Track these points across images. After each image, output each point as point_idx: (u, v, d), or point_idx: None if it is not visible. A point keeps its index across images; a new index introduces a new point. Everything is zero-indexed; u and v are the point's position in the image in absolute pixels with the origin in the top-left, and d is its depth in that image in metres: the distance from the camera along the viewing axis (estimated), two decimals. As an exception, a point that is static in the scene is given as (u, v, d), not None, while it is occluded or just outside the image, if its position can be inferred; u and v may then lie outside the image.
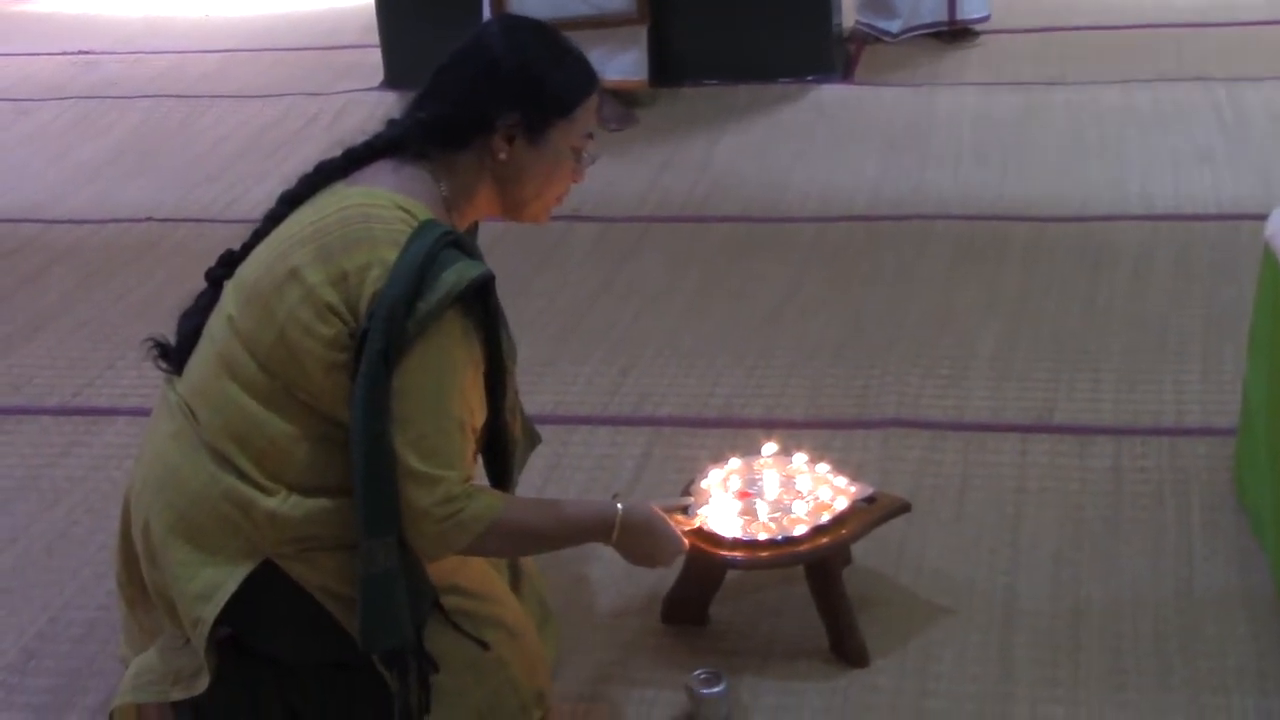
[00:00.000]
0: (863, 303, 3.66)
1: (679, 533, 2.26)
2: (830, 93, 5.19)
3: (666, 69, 5.27)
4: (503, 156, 2.13)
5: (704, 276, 3.87)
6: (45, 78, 5.97)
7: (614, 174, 4.54)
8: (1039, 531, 2.70)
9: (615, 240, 4.13)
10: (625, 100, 5.05)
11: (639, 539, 2.20)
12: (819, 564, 2.36)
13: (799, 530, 2.32)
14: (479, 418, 2.08)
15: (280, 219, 2.14)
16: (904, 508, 2.47)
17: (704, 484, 2.42)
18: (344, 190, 2.10)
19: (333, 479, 2.04)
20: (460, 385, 2.02)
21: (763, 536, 2.32)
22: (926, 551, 2.65)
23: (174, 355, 2.17)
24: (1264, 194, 4.08)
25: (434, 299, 1.97)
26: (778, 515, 2.36)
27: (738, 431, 3.04)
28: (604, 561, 2.65)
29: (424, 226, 2.02)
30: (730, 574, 2.46)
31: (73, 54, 6.30)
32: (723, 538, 2.32)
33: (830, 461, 2.50)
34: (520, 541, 2.14)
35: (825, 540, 2.32)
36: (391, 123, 2.18)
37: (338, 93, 5.48)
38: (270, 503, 2.02)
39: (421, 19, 5.30)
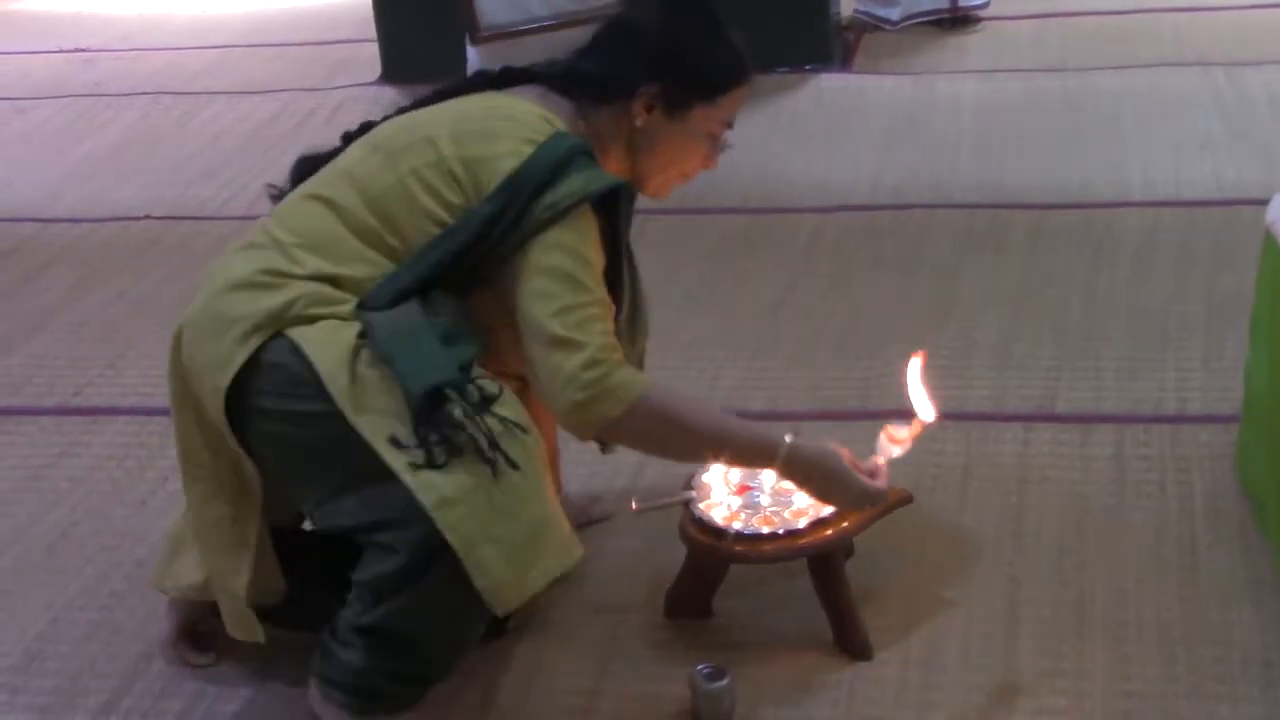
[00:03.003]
0: (863, 293, 3.65)
1: (865, 481, 2.24)
2: (829, 82, 5.17)
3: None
4: (639, 123, 2.20)
5: (703, 269, 3.86)
6: (42, 75, 5.96)
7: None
8: (1042, 521, 2.70)
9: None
10: None
11: (809, 477, 2.21)
12: (821, 557, 2.35)
13: (801, 523, 2.31)
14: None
15: (427, 104, 2.27)
16: (906, 499, 2.46)
17: (705, 478, 2.42)
18: (493, 93, 2.24)
19: (378, 301, 2.09)
20: (597, 272, 2.09)
21: (765, 530, 2.31)
22: (929, 543, 2.64)
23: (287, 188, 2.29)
24: (1265, 179, 4.06)
25: (563, 192, 2.05)
26: (778, 508, 2.35)
27: (739, 424, 3.03)
28: (607, 555, 2.65)
29: (562, 133, 2.12)
30: (733, 568, 2.45)
31: (69, 51, 6.29)
32: (725, 530, 2.32)
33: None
34: (671, 431, 2.12)
35: (827, 533, 2.32)
36: (552, 62, 2.27)
37: (335, 88, 5.47)
38: (297, 271, 2.11)
39: (418, 13, 5.29)
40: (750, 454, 2.21)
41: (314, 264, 2.11)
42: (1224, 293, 3.47)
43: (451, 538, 1.95)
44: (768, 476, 2.41)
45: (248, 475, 2.17)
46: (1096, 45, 5.36)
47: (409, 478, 1.96)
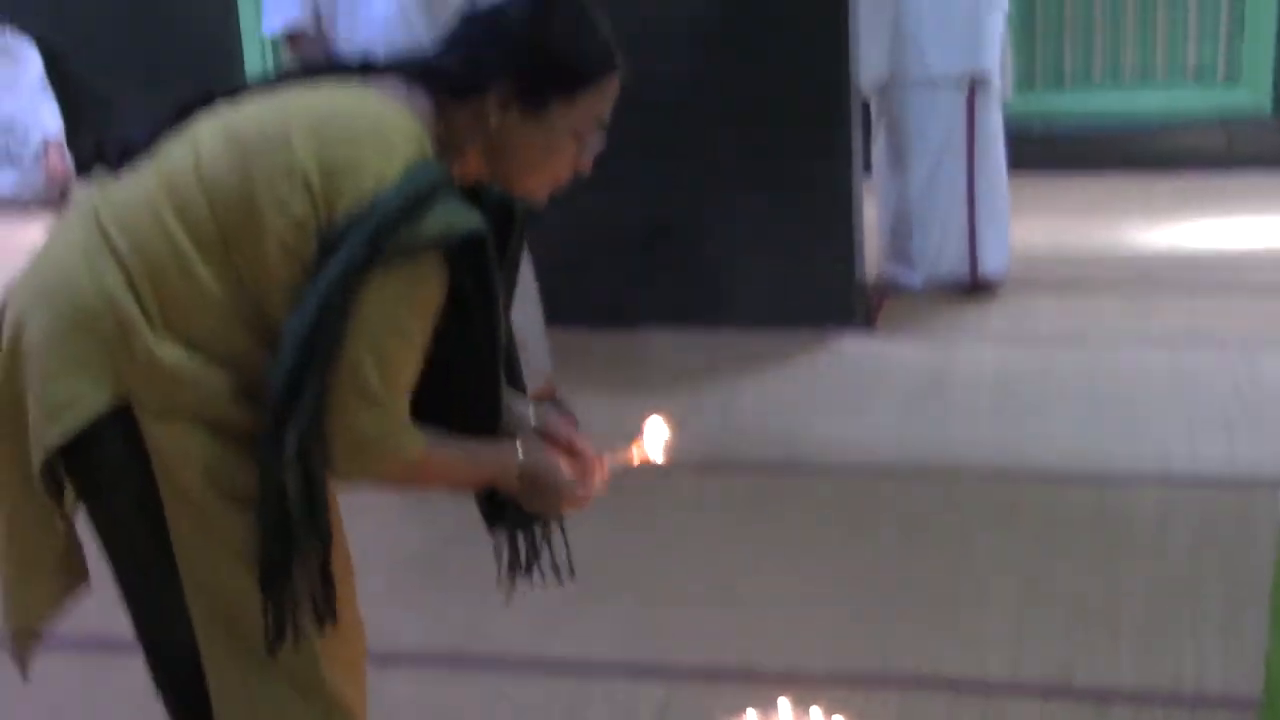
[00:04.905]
0: (882, 557, 3.67)
1: (570, 485, 2.18)
2: (852, 343, 5.28)
3: (691, 313, 5.37)
4: (494, 122, 2.03)
5: (725, 524, 3.90)
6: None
7: (633, 419, 4.59)
8: (1059, 800, 2.68)
9: (636, 484, 4.13)
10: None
11: (534, 489, 2.15)
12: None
13: None
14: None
15: (277, 85, 2.08)
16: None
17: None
18: (361, 87, 2.03)
19: (219, 347, 1.95)
20: (425, 324, 1.95)
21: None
22: (945, 817, 2.62)
23: (115, 160, 2.05)
24: (1281, 462, 4.12)
25: (422, 231, 1.88)
26: None
27: (755, 684, 3.04)
28: None
29: (430, 161, 1.96)
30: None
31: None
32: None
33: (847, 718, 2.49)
34: (434, 480, 2.07)
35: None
36: (417, 51, 2.14)
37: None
38: (152, 341, 1.92)
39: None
40: (496, 479, 2.14)
41: (156, 300, 1.94)
42: (1241, 574, 3.49)
43: None
44: None
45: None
46: (1113, 320, 5.47)
47: None
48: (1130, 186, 7.19)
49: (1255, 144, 7.33)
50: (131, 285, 1.93)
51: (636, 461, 2.35)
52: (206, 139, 1.98)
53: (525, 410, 2.28)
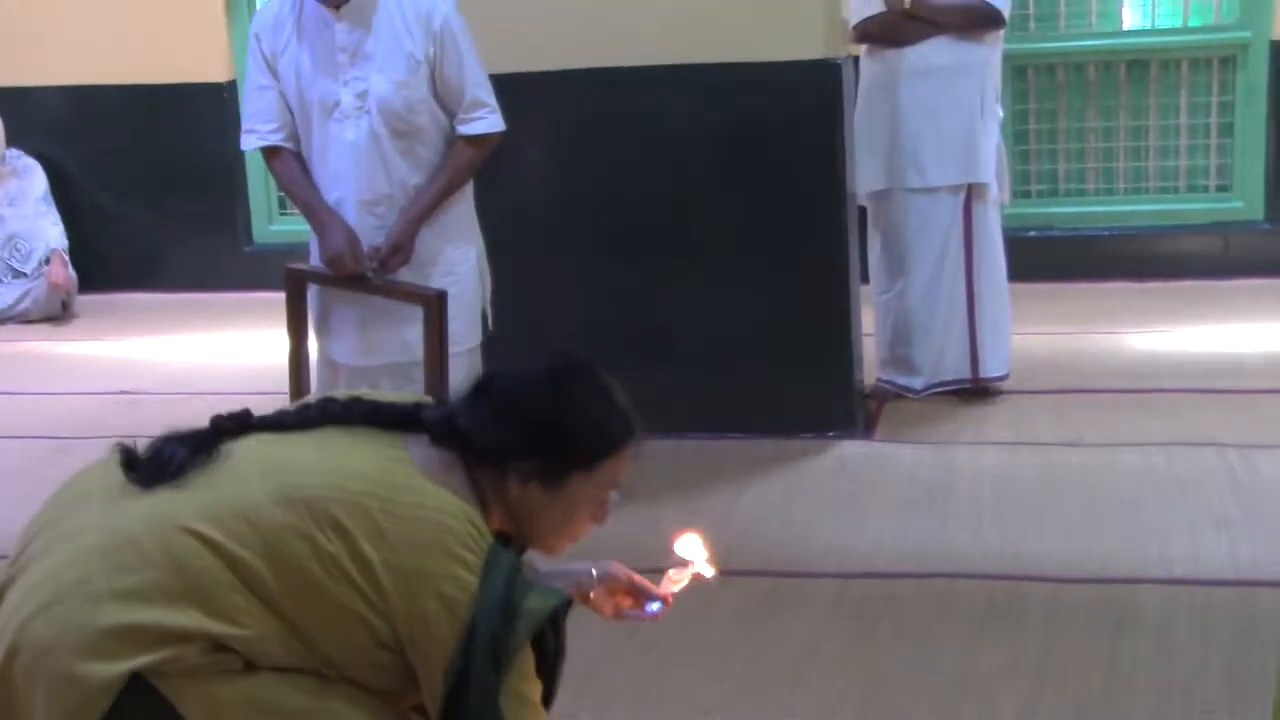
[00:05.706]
0: (884, 662, 3.66)
1: None
2: (852, 449, 5.28)
3: (689, 421, 5.38)
4: (514, 494, 2.13)
5: (726, 630, 3.88)
6: (87, 416, 6.12)
7: (637, 525, 4.59)
8: None
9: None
10: None
11: None
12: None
13: None
14: None
15: (314, 423, 2.12)
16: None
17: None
18: (408, 463, 2.07)
19: (253, 653, 1.97)
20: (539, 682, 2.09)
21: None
22: None
23: (143, 472, 2.08)
24: (1281, 561, 4.11)
25: (523, 631, 2.00)
26: None
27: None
28: None
29: (496, 554, 2.02)
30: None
31: (114, 394, 6.47)
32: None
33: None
34: None
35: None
36: (437, 408, 2.19)
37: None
38: (180, 649, 1.94)
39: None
40: None
41: (196, 620, 1.94)
42: (1245, 673, 3.46)
43: None
44: None
45: None
46: (1113, 421, 5.48)
47: None
48: (1127, 292, 7.24)
49: (1250, 250, 7.39)
50: (159, 588, 1.94)
51: (688, 582, 2.48)
52: (257, 484, 2.02)
53: (585, 566, 2.36)
